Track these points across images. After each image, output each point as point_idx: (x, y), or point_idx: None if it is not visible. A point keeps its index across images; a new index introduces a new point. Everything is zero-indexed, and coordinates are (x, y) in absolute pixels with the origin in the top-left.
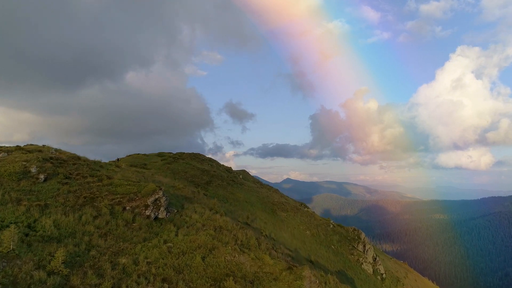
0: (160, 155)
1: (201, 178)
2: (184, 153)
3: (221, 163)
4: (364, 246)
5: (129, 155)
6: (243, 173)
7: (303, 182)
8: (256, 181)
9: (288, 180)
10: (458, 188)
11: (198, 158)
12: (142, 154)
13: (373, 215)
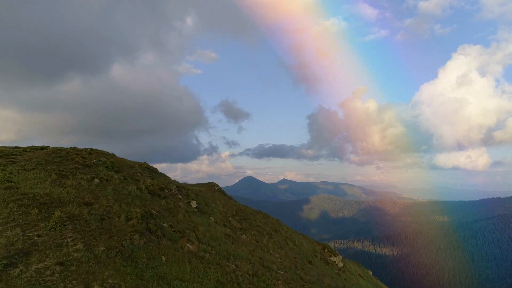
0: None
1: None
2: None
3: (159, 172)
4: None
5: None
6: (207, 190)
7: (299, 183)
8: (236, 209)
9: (284, 181)
10: (454, 189)
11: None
12: None
13: (371, 217)
